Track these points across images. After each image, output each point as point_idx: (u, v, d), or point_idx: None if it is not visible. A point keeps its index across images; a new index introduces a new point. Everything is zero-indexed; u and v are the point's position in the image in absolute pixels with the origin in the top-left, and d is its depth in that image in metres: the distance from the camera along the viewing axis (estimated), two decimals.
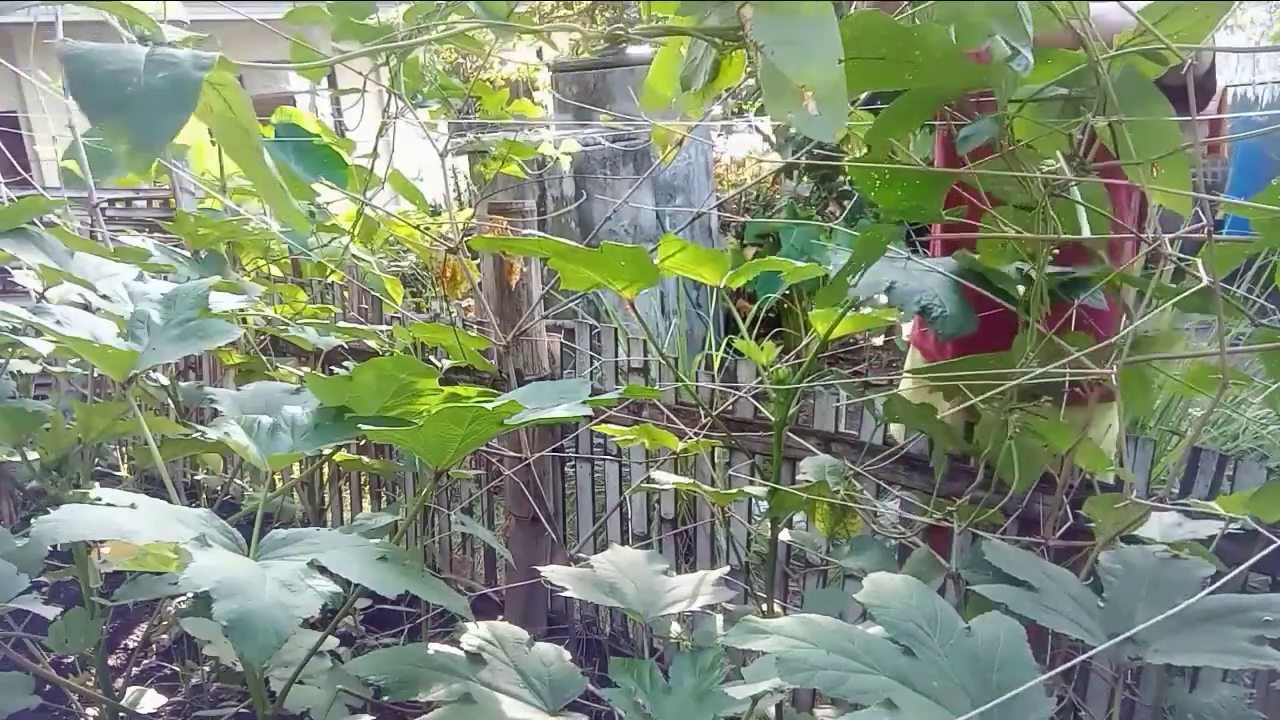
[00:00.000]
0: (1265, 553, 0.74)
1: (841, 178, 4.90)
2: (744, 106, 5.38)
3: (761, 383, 1.37)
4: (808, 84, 0.64)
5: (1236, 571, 0.73)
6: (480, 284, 2.08)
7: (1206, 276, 0.82)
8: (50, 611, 1.24)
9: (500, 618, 1.55)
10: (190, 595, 1.77)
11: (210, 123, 0.87)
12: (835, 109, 0.64)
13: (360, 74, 1.40)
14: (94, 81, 0.64)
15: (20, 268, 1.53)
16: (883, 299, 1.12)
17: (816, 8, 0.66)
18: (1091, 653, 0.83)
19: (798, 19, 0.66)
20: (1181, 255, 0.90)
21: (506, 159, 2.09)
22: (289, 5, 1.38)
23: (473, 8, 1.01)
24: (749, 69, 0.89)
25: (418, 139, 1.90)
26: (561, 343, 2.14)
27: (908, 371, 1.76)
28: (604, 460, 2.22)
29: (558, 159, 2.38)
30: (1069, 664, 0.68)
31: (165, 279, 1.54)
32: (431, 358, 2.22)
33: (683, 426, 1.73)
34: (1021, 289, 1.16)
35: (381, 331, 2.10)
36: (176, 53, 0.68)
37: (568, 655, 1.16)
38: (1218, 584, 0.68)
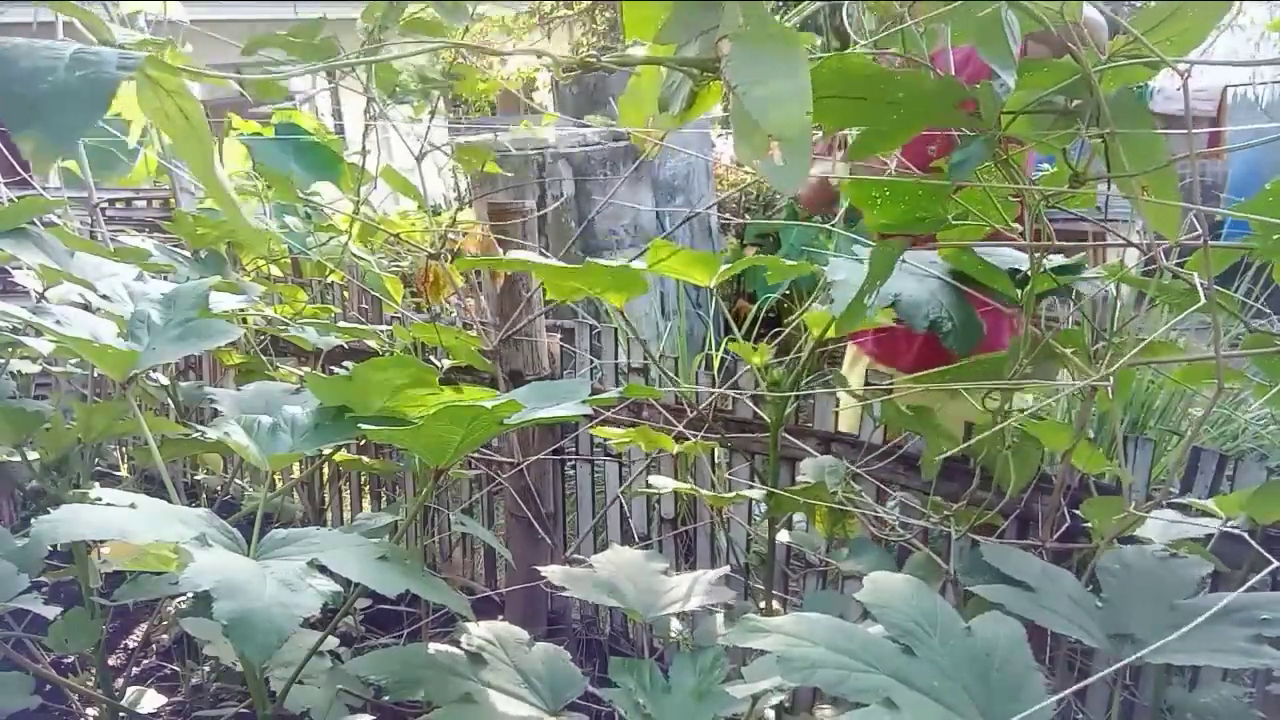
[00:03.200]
0: (1266, 572, 0.74)
1: None
2: None
3: (759, 384, 1.37)
4: (775, 132, 0.63)
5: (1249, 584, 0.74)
6: (480, 285, 2.08)
7: (1200, 283, 0.82)
8: (50, 611, 1.24)
9: (500, 618, 1.55)
10: (190, 595, 1.78)
11: (165, 129, 0.86)
12: (799, 160, 0.64)
13: (346, 76, 1.39)
14: (8, 77, 0.62)
15: (20, 268, 1.53)
16: None
17: (788, 51, 0.65)
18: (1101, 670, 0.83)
19: (771, 63, 0.65)
20: (1180, 266, 0.90)
21: (486, 158, 2.06)
22: (289, 5, 1.38)
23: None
24: (725, 105, 0.87)
25: (415, 137, 1.90)
26: (561, 343, 2.15)
27: (889, 384, 1.75)
28: (604, 460, 2.22)
29: (557, 160, 2.38)
30: (1081, 683, 0.68)
31: (165, 279, 1.54)
32: (431, 358, 2.22)
33: (683, 429, 1.73)
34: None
35: (381, 331, 2.10)
36: (100, 50, 0.66)
37: (568, 655, 1.16)
38: (1234, 594, 0.68)
